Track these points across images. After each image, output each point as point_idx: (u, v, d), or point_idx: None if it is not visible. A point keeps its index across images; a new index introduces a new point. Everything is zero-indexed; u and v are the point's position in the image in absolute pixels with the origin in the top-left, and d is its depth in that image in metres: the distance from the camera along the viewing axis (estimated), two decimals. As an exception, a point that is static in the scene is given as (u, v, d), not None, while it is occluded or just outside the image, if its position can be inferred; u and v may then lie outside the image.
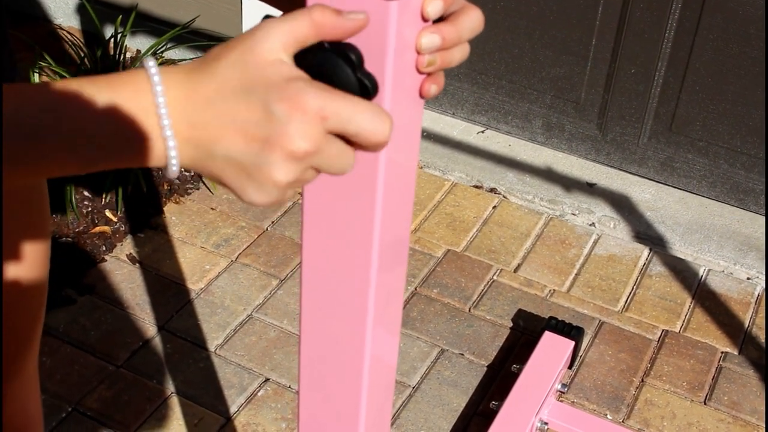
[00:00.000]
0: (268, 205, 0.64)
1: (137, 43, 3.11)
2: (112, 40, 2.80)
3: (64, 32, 3.01)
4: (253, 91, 0.62)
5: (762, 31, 2.34)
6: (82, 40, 2.87)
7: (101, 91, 0.63)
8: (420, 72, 0.70)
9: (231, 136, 0.62)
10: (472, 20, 0.71)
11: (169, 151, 0.63)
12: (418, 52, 0.69)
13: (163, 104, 0.62)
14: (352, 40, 0.67)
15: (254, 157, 0.62)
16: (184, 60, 3.03)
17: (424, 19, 0.68)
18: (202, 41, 2.93)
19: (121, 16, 2.88)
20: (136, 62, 2.84)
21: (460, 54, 0.71)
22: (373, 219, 0.74)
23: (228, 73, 0.63)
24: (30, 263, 1.08)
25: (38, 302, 1.13)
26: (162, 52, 2.96)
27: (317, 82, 0.64)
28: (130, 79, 0.63)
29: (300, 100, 0.62)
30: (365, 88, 0.66)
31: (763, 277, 2.40)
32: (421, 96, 0.72)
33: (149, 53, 2.87)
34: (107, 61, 2.76)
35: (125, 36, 2.78)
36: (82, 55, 2.78)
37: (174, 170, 0.64)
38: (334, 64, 0.66)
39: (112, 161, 0.64)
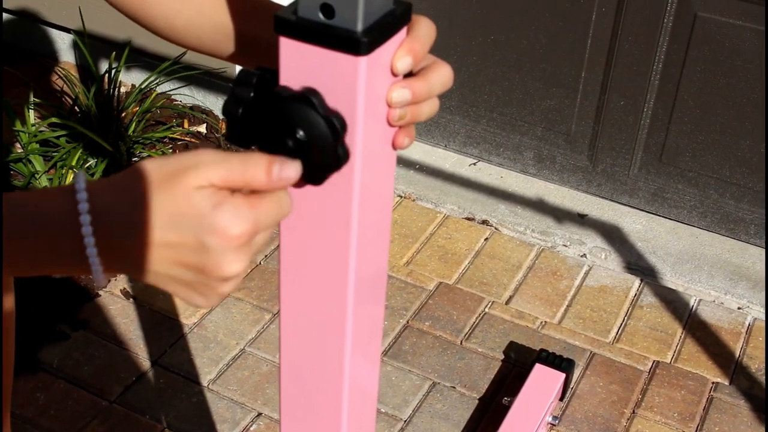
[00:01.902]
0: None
1: (132, 78, 3.14)
2: (107, 75, 2.82)
3: (60, 68, 3.04)
4: (182, 222, 0.64)
5: (748, 63, 2.37)
6: (77, 76, 2.90)
7: (28, 209, 0.65)
8: (391, 125, 0.72)
9: (166, 262, 0.65)
10: (442, 76, 0.73)
11: (93, 268, 0.66)
12: (389, 106, 0.71)
13: (87, 222, 0.64)
14: (327, 90, 0.69)
15: (194, 277, 0.65)
16: (178, 93, 3.06)
17: (394, 74, 0.71)
18: (197, 74, 2.96)
19: (115, 52, 2.91)
20: (130, 97, 2.86)
21: (429, 108, 0.73)
22: (347, 264, 0.76)
23: (155, 200, 0.64)
24: None
25: (7, 369, 1.13)
26: (156, 87, 2.99)
27: (241, 201, 0.65)
28: (55, 199, 0.65)
29: (230, 232, 0.63)
30: (334, 127, 0.68)
31: (754, 307, 2.41)
32: (395, 147, 0.74)
33: (143, 87, 2.90)
34: (102, 97, 2.78)
35: (119, 71, 2.81)
36: (77, 91, 2.81)
37: (101, 281, 0.67)
38: (299, 110, 0.68)
39: (39, 271, 0.67)
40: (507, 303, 2.39)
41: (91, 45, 2.91)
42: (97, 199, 0.64)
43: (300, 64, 0.69)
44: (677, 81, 2.48)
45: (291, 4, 0.69)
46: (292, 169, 0.66)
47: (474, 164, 2.86)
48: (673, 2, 2.40)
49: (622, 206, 2.71)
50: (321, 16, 0.67)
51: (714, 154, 2.53)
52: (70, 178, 2.55)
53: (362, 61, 0.66)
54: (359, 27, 0.66)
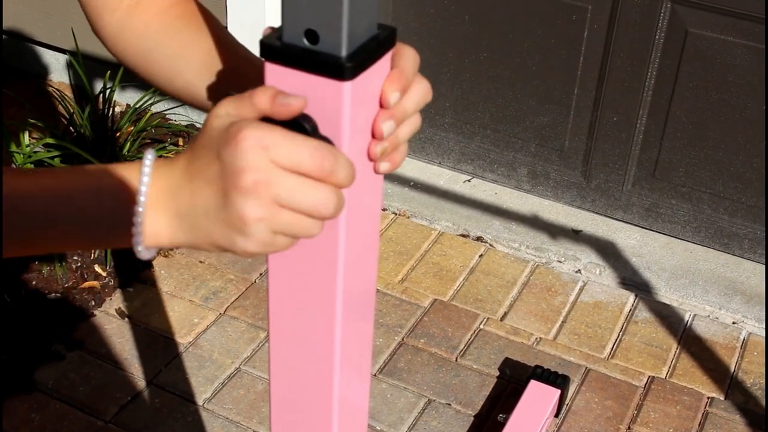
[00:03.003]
0: (262, 252, 0.70)
1: (126, 98, 3.15)
2: (101, 95, 2.83)
3: (54, 88, 3.05)
4: (207, 147, 0.68)
5: (740, 79, 2.38)
6: (71, 96, 2.91)
7: (96, 181, 0.71)
8: (372, 160, 0.74)
9: (202, 192, 0.68)
10: (420, 92, 0.74)
11: (135, 237, 0.70)
12: (374, 137, 0.72)
13: (143, 192, 0.69)
14: (312, 114, 0.70)
15: (224, 203, 0.67)
16: (173, 112, 3.07)
17: (383, 106, 0.72)
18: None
19: (109, 71, 2.92)
20: (125, 117, 2.87)
21: (409, 128, 0.74)
22: (335, 283, 0.77)
23: (193, 145, 0.70)
24: None
25: None
26: (150, 105, 3.00)
27: (262, 122, 0.67)
28: (123, 172, 0.71)
29: (237, 136, 0.66)
30: None
31: (749, 322, 2.41)
32: (376, 172, 0.75)
33: (137, 107, 2.91)
34: (96, 117, 2.79)
35: (114, 91, 2.82)
36: (72, 111, 2.81)
37: (141, 252, 0.71)
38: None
39: (96, 244, 0.73)
40: (502, 319, 2.40)
41: (85, 65, 2.92)
42: (160, 168, 0.71)
43: (285, 89, 0.69)
44: (669, 97, 2.49)
45: (276, 30, 0.70)
46: (296, 99, 0.68)
47: (468, 181, 2.86)
48: (665, 19, 2.41)
49: (616, 222, 2.72)
50: (305, 41, 0.68)
51: (707, 170, 2.54)
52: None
53: (346, 86, 0.67)
54: (343, 52, 0.67)
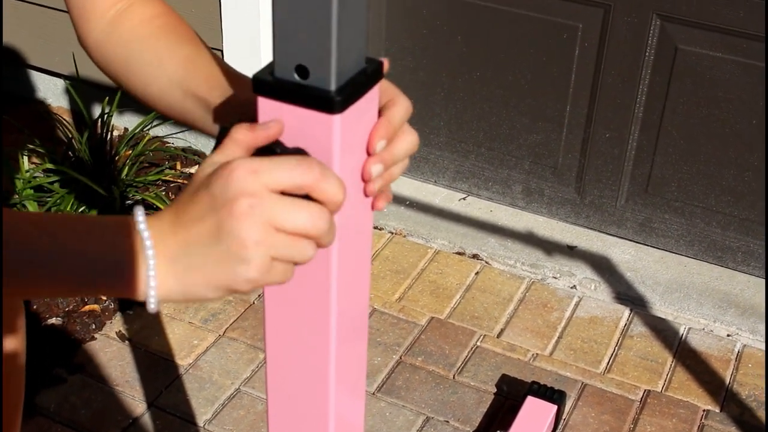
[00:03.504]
0: (262, 281, 0.70)
1: (125, 122, 3.18)
2: (100, 120, 2.86)
3: (53, 113, 3.08)
4: (196, 191, 0.70)
5: (730, 94, 2.41)
6: (70, 121, 2.93)
7: (94, 225, 0.71)
8: (368, 196, 0.78)
9: (194, 230, 0.69)
10: (407, 142, 0.78)
11: (149, 290, 0.70)
12: (365, 180, 0.76)
13: (149, 245, 0.70)
14: (303, 146, 0.73)
15: (219, 235, 0.68)
16: (170, 135, 3.09)
17: (369, 154, 0.75)
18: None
19: (107, 97, 2.95)
20: (123, 141, 2.90)
21: (399, 170, 0.79)
22: (329, 305, 0.79)
23: (180, 197, 0.71)
24: (8, 358, 1.10)
25: (17, 403, 1.15)
26: (148, 130, 3.03)
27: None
28: (120, 219, 0.72)
29: (230, 169, 0.68)
30: None
31: (743, 334, 2.44)
32: (374, 208, 0.80)
33: (135, 132, 2.93)
34: (94, 141, 2.82)
35: (111, 115, 2.84)
36: (70, 136, 2.84)
37: (152, 307, 0.71)
38: None
39: (101, 290, 0.72)
40: (498, 336, 2.42)
41: (83, 89, 2.95)
42: (152, 220, 0.72)
43: (278, 122, 0.72)
44: (661, 113, 2.52)
45: (268, 65, 0.73)
46: (274, 123, 0.73)
47: (463, 199, 2.89)
48: (654, 36, 2.44)
49: (611, 237, 2.74)
50: (296, 76, 0.71)
51: (699, 184, 2.56)
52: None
53: (336, 119, 0.70)
54: (332, 86, 0.70)
